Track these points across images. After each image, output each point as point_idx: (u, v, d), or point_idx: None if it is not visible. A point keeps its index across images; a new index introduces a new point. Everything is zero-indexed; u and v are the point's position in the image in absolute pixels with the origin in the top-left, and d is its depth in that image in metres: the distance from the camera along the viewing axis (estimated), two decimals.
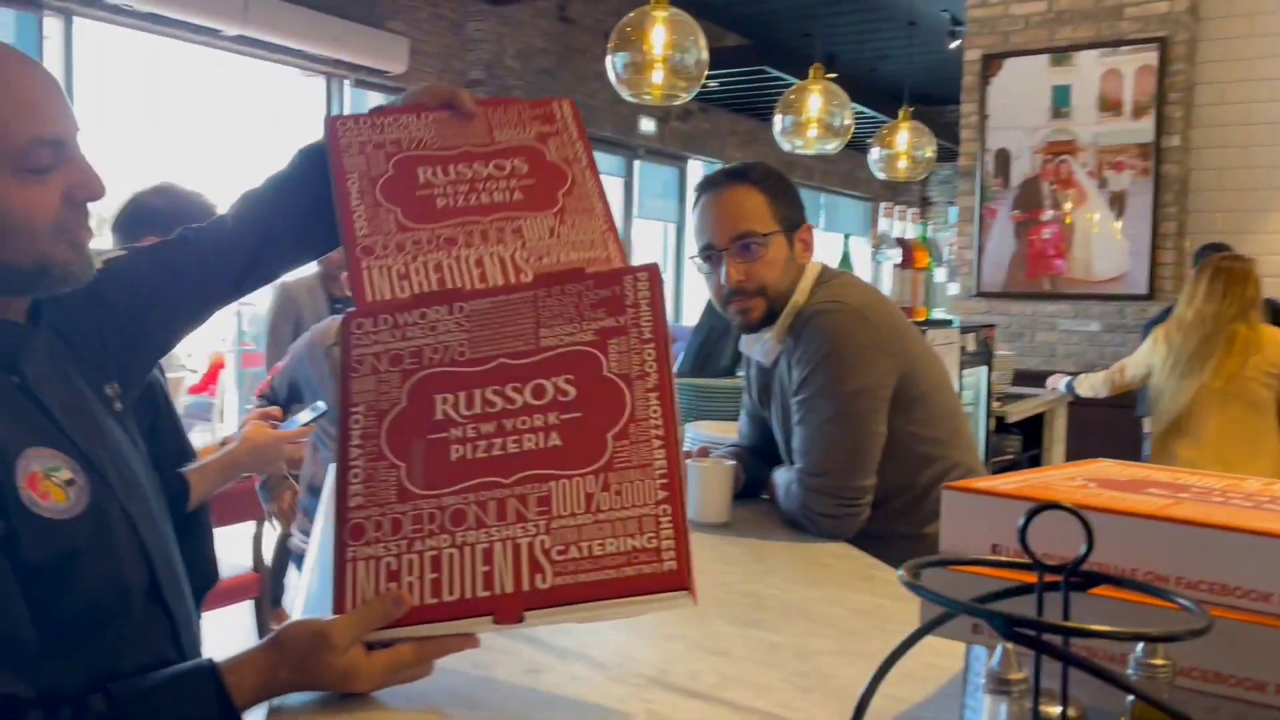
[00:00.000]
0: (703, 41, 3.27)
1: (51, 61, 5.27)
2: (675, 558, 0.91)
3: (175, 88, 6.41)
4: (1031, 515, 0.61)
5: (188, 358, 8.28)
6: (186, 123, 6.51)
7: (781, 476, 1.78)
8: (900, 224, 3.32)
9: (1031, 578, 0.65)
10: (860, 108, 7.26)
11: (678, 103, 3.38)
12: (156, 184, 2.01)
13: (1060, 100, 5.38)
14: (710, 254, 1.76)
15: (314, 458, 2.86)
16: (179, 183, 2.16)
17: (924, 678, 1.02)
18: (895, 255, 3.20)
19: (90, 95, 5.53)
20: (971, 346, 3.62)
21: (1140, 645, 0.62)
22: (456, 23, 7.39)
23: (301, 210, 1.22)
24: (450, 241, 1.10)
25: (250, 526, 3.31)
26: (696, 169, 10.20)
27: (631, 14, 3.27)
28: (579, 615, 0.93)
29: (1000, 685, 0.59)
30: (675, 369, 2.63)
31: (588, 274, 1.04)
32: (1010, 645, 0.59)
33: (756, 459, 1.95)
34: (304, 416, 2.43)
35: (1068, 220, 5.40)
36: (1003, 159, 5.54)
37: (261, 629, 3.38)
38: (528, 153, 1.18)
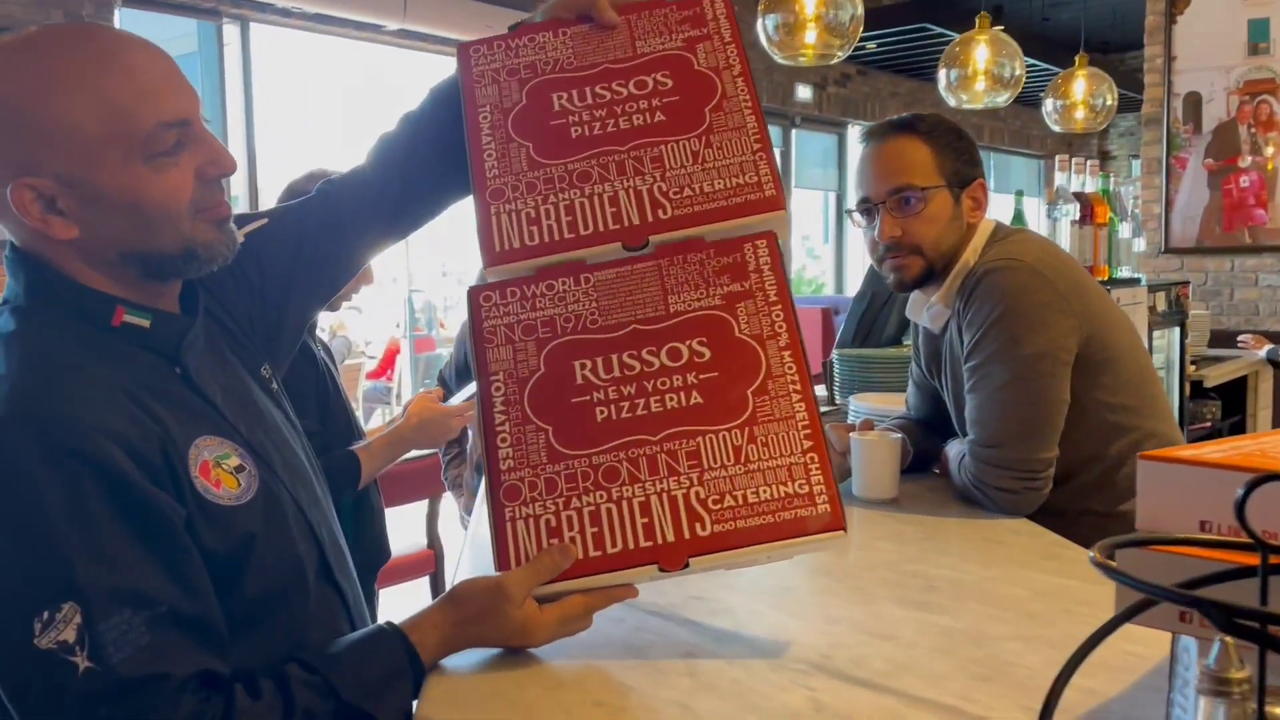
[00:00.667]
0: None
1: (231, 66, 5.56)
2: (828, 500, 0.96)
3: (340, 83, 6.66)
4: (1253, 486, 0.52)
5: (366, 345, 8.67)
6: (352, 118, 6.76)
7: (955, 449, 1.67)
8: (1078, 177, 3.10)
9: (1252, 559, 0.55)
10: (1031, 60, 6.84)
11: (833, 62, 3.24)
12: (310, 170, 2.06)
13: (1258, 34, 4.91)
14: (867, 207, 1.67)
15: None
16: (332, 168, 2.22)
17: (1121, 667, 0.92)
18: (1073, 211, 2.99)
19: (266, 96, 5.81)
20: (1161, 306, 3.36)
21: None
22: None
23: (438, 153, 1.19)
24: (584, 177, 1.08)
25: (425, 505, 3.41)
26: (855, 135, 9.90)
27: None
28: (741, 559, 0.98)
29: (1219, 685, 0.51)
30: (836, 340, 2.52)
31: (708, 243, 1.06)
32: (1230, 639, 0.50)
33: (926, 432, 1.84)
34: (467, 391, 2.47)
35: (1269, 166, 4.94)
36: (1192, 103, 5.11)
37: None
38: (673, 63, 1.14)
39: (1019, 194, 2.64)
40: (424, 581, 3.46)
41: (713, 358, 1.02)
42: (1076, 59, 5.04)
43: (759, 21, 3.23)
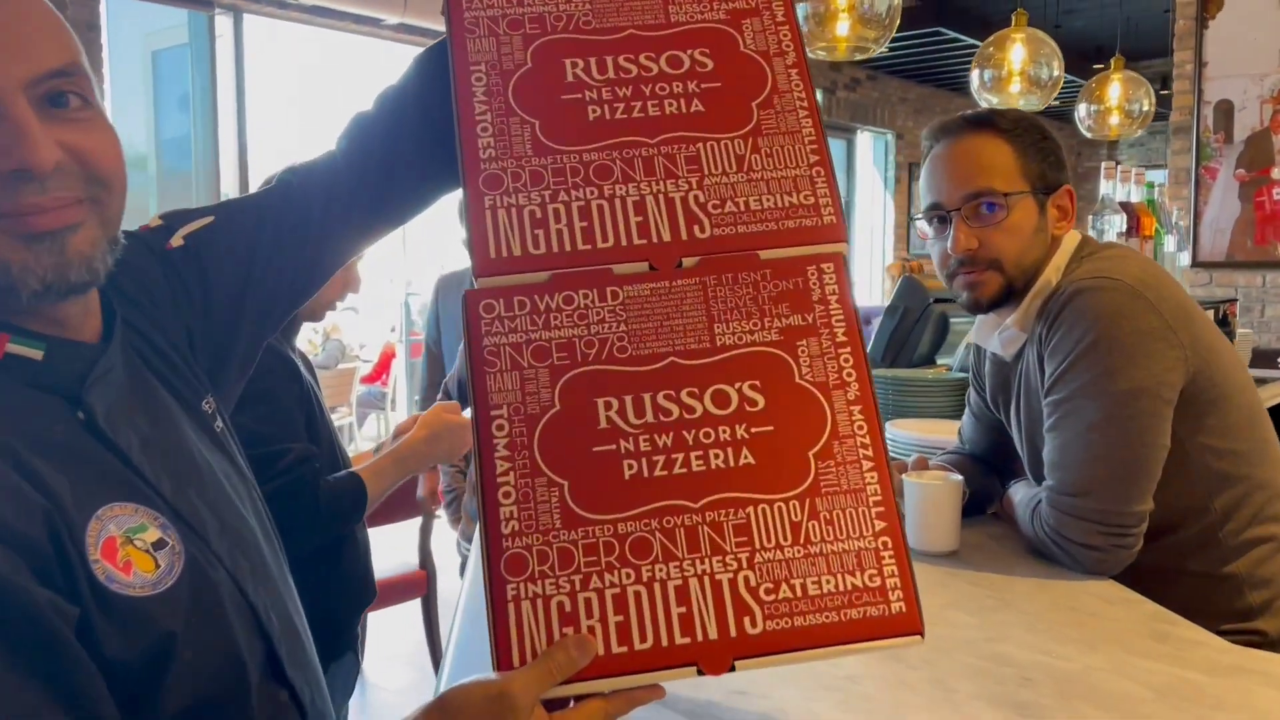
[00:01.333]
0: None
1: (223, 58, 5.35)
2: (903, 598, 0.78)
3: (337, 79, 6.46)
4: None
5: (360, 348, 8.45)
6: (349, 114, 6.57)
7: (1022, 494, 1.45)
8: (1123, 186, 2.89)
9: None
10: None
11: (866, 56, 3.00)
12: (290, 164, 1.83)
13: None
14: (938, 214, 1.45)
15: None
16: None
17: None
18: (1119, 223, 2.78)
19: (259, 91, 5.60)
20: None
21: None
22: None
23: (426, 135, 0.97)
24: (603, 173, 0.86)
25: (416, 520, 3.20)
26: (866, 141, 9.71)
27: None
28: (796, 660, 0.79)
29: None
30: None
31: (763, 260, 0.86)
32: None
33: (983, 470, 1.63)
34: None
35: None
36: (1224, 111, 4.91)
37: (429, 627, 3.27)
38: (715, 39, 0.91)
39: None
40: (415, 605, 3.26)
41: (767, 407, 0.82)
42: (1112, 62, 4.82)
43: None
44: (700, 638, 0.76)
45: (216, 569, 0.79)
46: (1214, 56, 4.92)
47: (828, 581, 0.77)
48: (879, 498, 0.80)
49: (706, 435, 0.81)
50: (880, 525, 0.79)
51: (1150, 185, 3.00)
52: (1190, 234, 5.00)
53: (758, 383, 0.82)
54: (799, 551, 0.78)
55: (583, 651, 0.75)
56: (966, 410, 1.73)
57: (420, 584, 3.24)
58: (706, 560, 0.77)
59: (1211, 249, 4.97)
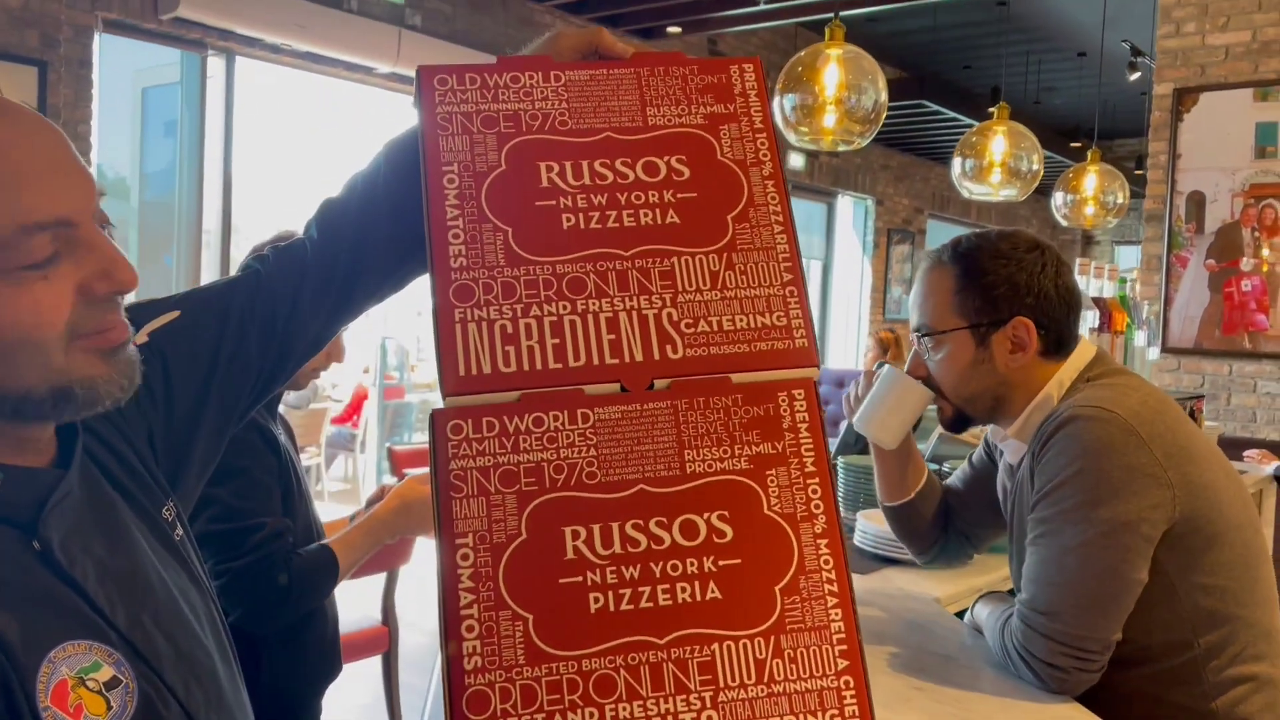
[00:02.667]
0: (882, 82, 2.96)
1: (214, 100, 5.37)
2: None
3: (328, 123, 6.49)
4: None
5: (333, 388, 8.39)
6: (338, 160, 6.59)
7: (992, 607, 1.48)
8: (1096, 281, 2.95)
9: None
10: None
11: (851, 149, 3.08)
12: (278, 231, 1.83)
13: (1266, 138, 4.84)
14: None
15: None
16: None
17: None
18: (1091, 319, 2.84)
19: (250, 132, 5.62)
20: None
21: None
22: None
23: (396, 228, 0.96)
24: (576, 287, 0.85)
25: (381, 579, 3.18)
26: (846, 205, 9.84)
27: (803, 52, 3.01)
28: None
29: None
30: (838, 442, 2.25)
31: (734, 384, 0.85)
32: None
33: (944, 507, 1.74)
34: None
35: (1273, 270, 4.85)
36: (1196, 202, 5.03)
37: (389, 686, 3.23)
38: (692, 145, 0.91)
39: None
40: (375, 661, 3.22)
41: (735, 539, 0.80)
42: (1089, 154, 4.94)
43: (776, 100, 3.08)
44: None
45: (168, 703, 0.78)
46: (1187, 148, 5.05)
47: None
48: (843, 635, 0.79)
49: (674, 568, 0.79)
50: (843, 664, 0.78)
51: (1123, 281, 3.07)
52: (1160, 320, 5.10)
53: (726, 513, 0.81)
54: (763, 690, 0.77)
55: None
56: (969, 460, 1.77)
57: (382, 640, 3.21)
58: (670, 700, 0.76)
59: (1180, 336, 5.06)
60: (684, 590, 0.79)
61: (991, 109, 4.45)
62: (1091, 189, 4.78)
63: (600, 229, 0.86)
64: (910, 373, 1.54)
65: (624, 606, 0.78)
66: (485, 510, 0.79)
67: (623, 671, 0.76)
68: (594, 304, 0.84)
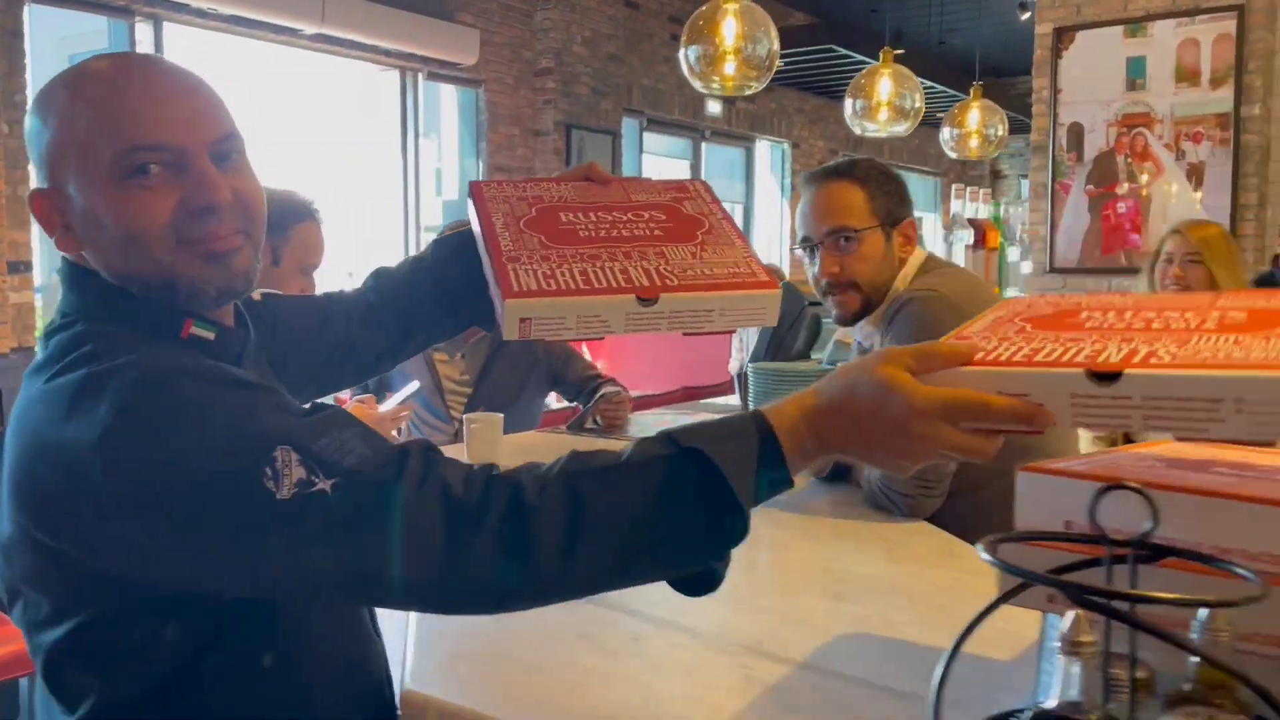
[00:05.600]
0: (774, 32, 3.31)
1: None
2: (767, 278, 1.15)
3: (258, 88, 6.62)
4: (1100, 494, 0.69)
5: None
6: (269, 121, 6.72)
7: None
8: (972, 204, 3.34)
9: (1102, 551, 0.72)
10: (929, 83, 7.19)
11: (749, 93, 3.43)
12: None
13: (1135, 72, 5.30)
14: (809, 245, 1.85)
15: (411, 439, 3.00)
16: (268, 184, 2.28)
17: (1003, 645, 1.09)
18: (967, 236, 3.23)
19: None
20: None
21: (1202, 612, 0.69)
22: (525, 13, 7.49)
23: (436, 295, 1.30)
24: (593, 257, 1.18)
25: None
26: (764, 149, 10.19)
27: (703, 7, 3.33)
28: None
29: (1072, 647, 0.66)
30: (748, 355, 2.74)
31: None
32: (1081, 612, 0.67)
33: None
34: (402, 394, 2.57)
35: (1144, 193, 5.33)
36: (1076, 133, 5.48)
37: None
38: (665, 208, 1.28)
39: (919, 220, 2.86)
40: None
41: (668, 219, 1.24)
42: (972, 90, 5.35)
43: (681, 52, 3.40)
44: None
45: None
46: (1067, 83, 5.48)
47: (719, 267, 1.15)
48: (745, 253, 1.18)
49: (631, 224, 1.20)
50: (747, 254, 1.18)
51: (997, 204, 3.47)
52: (1048, 243, 5.56)
53: (661, 215, 1.23)
54: (696, 261, 1.15)
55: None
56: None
57: None
58: (634, 257, 1.15)
59: (1065, 256, 5.54)
60: (638, 229, 1.19)
61: (900, 49, 4.81)
62: (975, 123, 5.19)
63: (607, 235, 1.22)
64: (824, 271, 1.84)
65: (601, 233, 1.18)
66: (510, 207, 1.23)
67: (603, 251, 1.15)
68: (608, 264, 1.18)
